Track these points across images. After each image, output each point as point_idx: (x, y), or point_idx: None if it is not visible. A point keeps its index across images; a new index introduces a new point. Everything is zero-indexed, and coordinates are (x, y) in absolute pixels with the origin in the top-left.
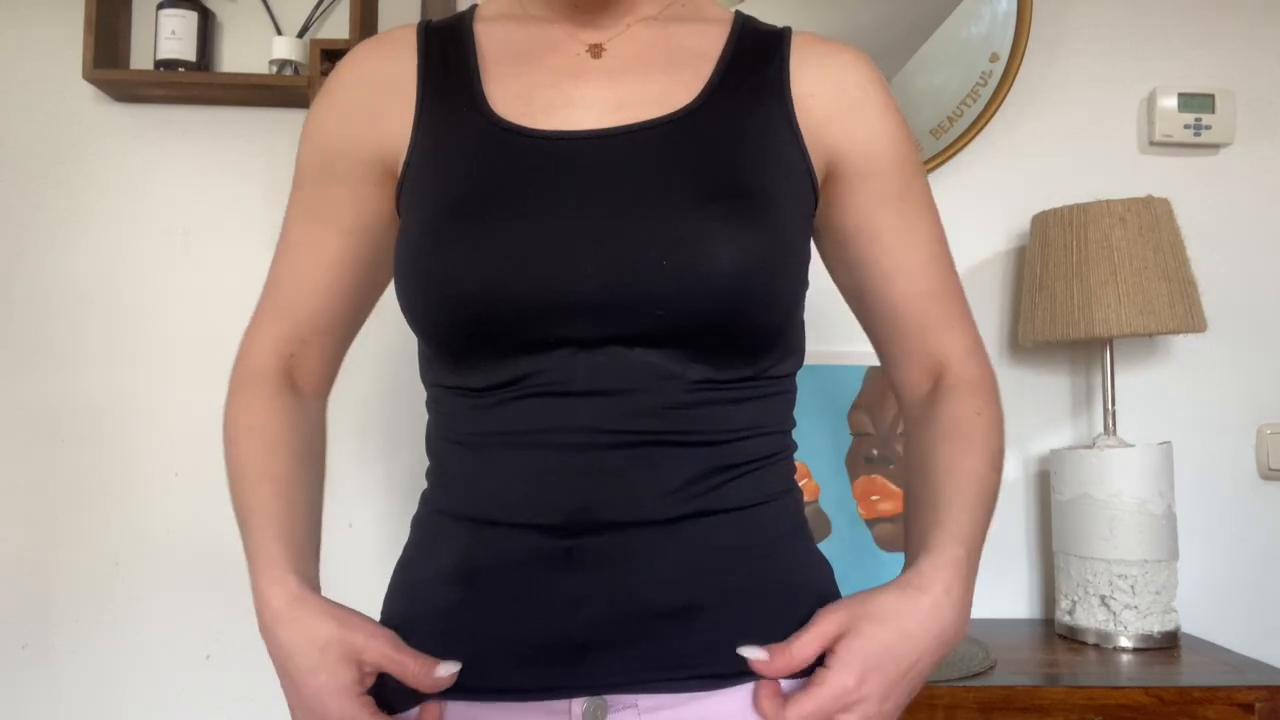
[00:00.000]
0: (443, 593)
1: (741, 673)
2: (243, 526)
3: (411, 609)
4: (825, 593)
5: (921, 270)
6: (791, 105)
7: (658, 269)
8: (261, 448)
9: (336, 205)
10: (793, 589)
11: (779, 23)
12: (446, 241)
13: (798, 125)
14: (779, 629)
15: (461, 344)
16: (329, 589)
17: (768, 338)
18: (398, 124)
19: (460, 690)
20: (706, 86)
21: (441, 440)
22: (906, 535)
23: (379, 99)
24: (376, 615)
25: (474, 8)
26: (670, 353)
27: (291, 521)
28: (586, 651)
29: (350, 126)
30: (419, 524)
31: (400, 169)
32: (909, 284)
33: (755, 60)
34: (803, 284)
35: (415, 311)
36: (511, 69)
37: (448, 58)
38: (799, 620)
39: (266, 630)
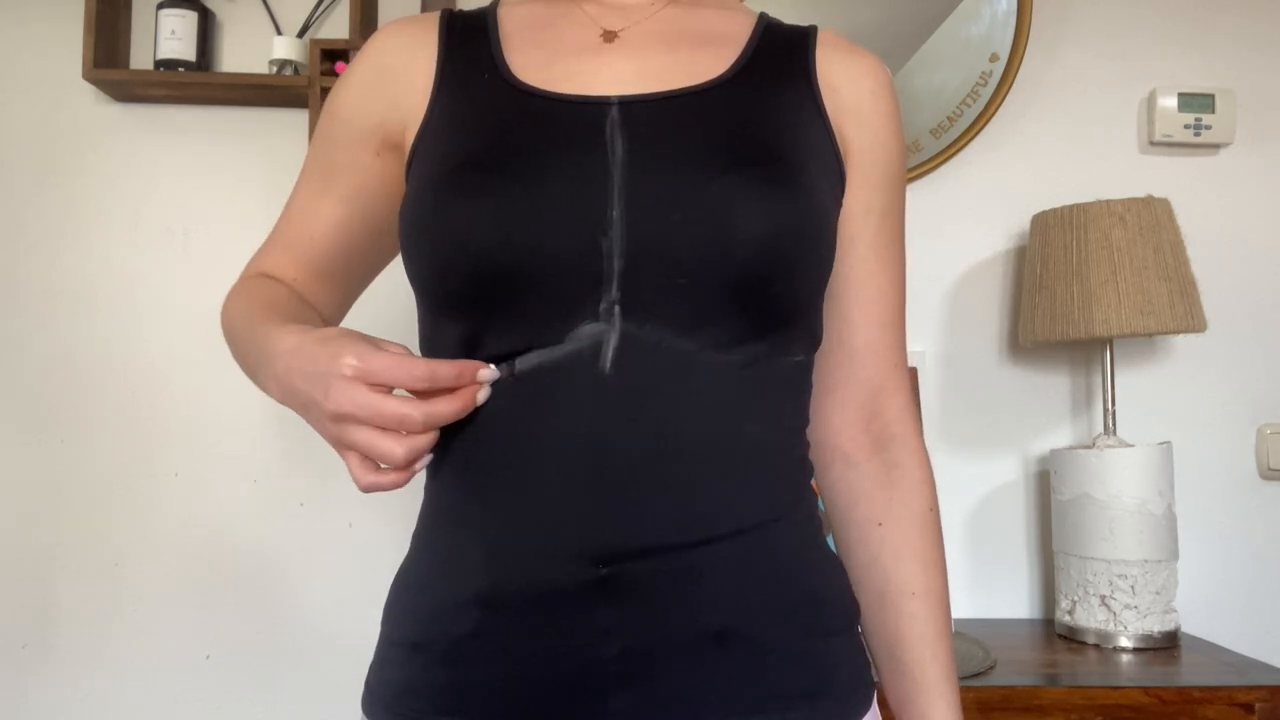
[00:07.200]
0: (462, 617)
1: (769, 708)
2: (249, 336)
3: (426, 631)
4: (843, 600)
5: (886, 291)
6: (819, 91)
7: (681, 231)
8: (261, 290)
9: (336, 171)
10: (816, 602)
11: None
12: (468, 191)
13: (825, 110)
14: (808, 647)
15: (470, 304)
16: (329, 589)
17: (788, 310)
18: (412, 92)
19: (478, 717)
20: (736, 63)
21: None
22: (872, 638)
23: (395, 64)
24: (377, 617)
25: (495, 2)
26: (683, 329)
27: (295, 318)
28: (615, 685)
29: (361, 94)
30: (426, 534)
31: (414, 136)
32: (870, 303)
33: (783, 47)
34: (829, 259)
35: (427, 264)
36: (533, 42)
37: (469, 33)
38: (826, 633)
39: (285, 367)
